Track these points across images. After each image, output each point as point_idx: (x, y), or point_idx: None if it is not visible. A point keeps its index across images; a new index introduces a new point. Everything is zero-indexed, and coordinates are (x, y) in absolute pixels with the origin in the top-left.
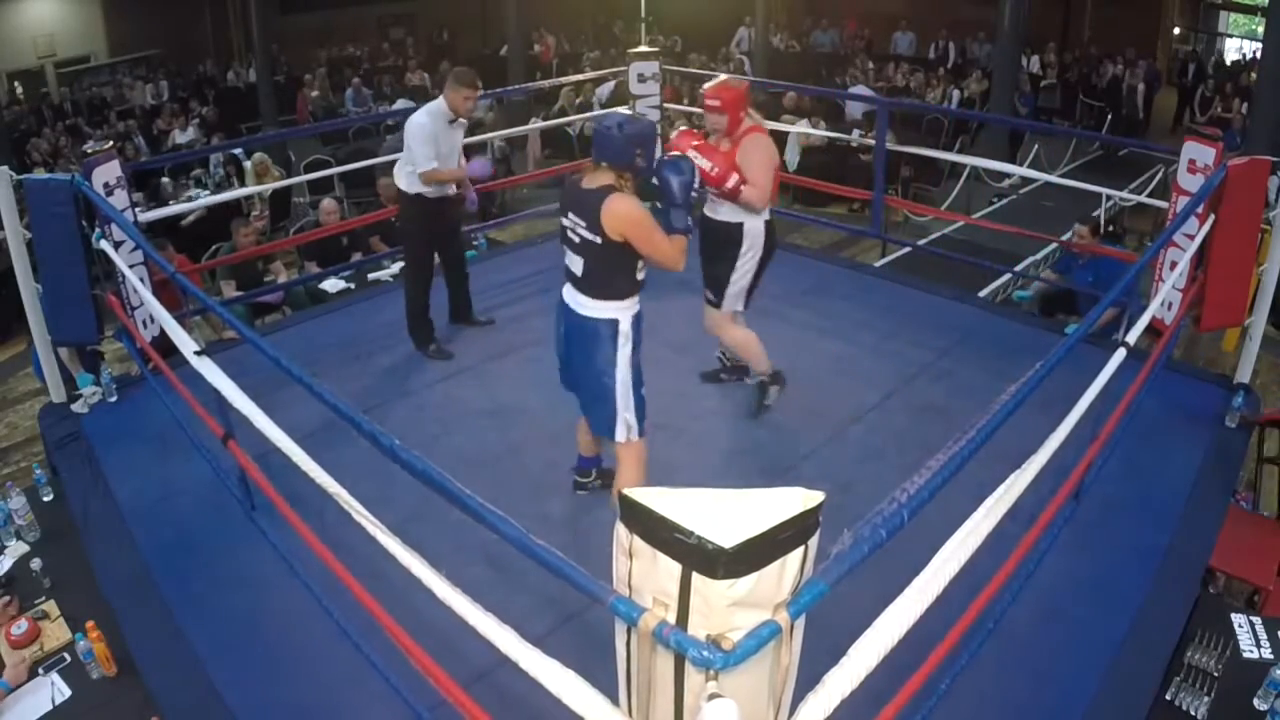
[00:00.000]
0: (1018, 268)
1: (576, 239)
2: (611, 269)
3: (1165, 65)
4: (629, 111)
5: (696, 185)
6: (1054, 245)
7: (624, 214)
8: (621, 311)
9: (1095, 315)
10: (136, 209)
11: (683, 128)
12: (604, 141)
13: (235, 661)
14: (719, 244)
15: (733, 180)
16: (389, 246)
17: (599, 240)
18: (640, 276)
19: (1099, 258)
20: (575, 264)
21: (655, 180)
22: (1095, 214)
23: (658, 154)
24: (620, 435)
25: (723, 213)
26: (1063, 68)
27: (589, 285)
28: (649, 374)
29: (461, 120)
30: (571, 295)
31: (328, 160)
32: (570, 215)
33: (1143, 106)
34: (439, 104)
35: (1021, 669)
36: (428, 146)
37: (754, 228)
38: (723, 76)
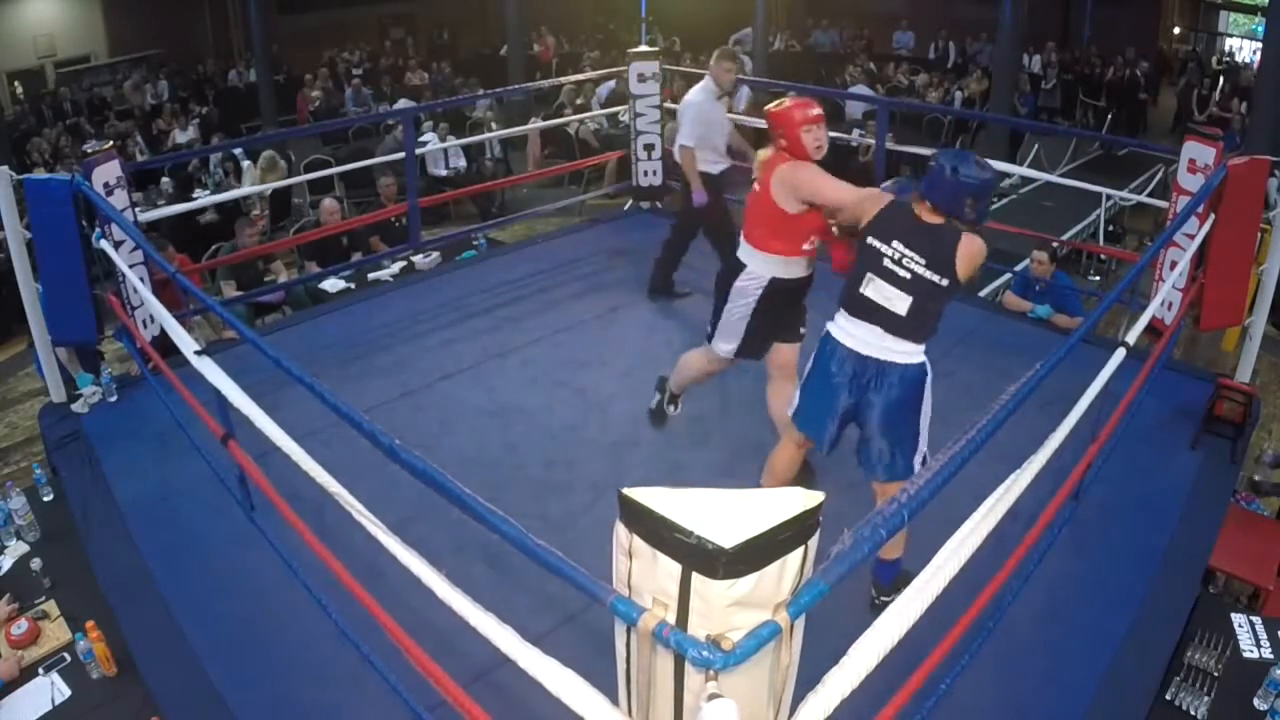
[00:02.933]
0: (1018, 268)
1: (907, 274)
2: (935, 311)
3: (1165, 65)
4: (966, 157)
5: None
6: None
7: (978, 254)
8: (925, 353)
9: (1096, 315)
10: (136, 209)
11: None
12: (940, 187)
13: (235, 661)
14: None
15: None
16: (389, 246)
17: (946, 282)
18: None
19: (1056, 285)
20: (893, 299)
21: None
22: (1054, 243)
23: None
24: (917, 464)
25: None
26: (1063, 68)
27: (911, 328)
28: (650, 373)
29: (725, 97)
30: (872, 337)
31: (328, 160)
32: (894, 244)
33: (1142, 106)
34: (707, 81)
35: (1021, 669)
36: (694, 125)
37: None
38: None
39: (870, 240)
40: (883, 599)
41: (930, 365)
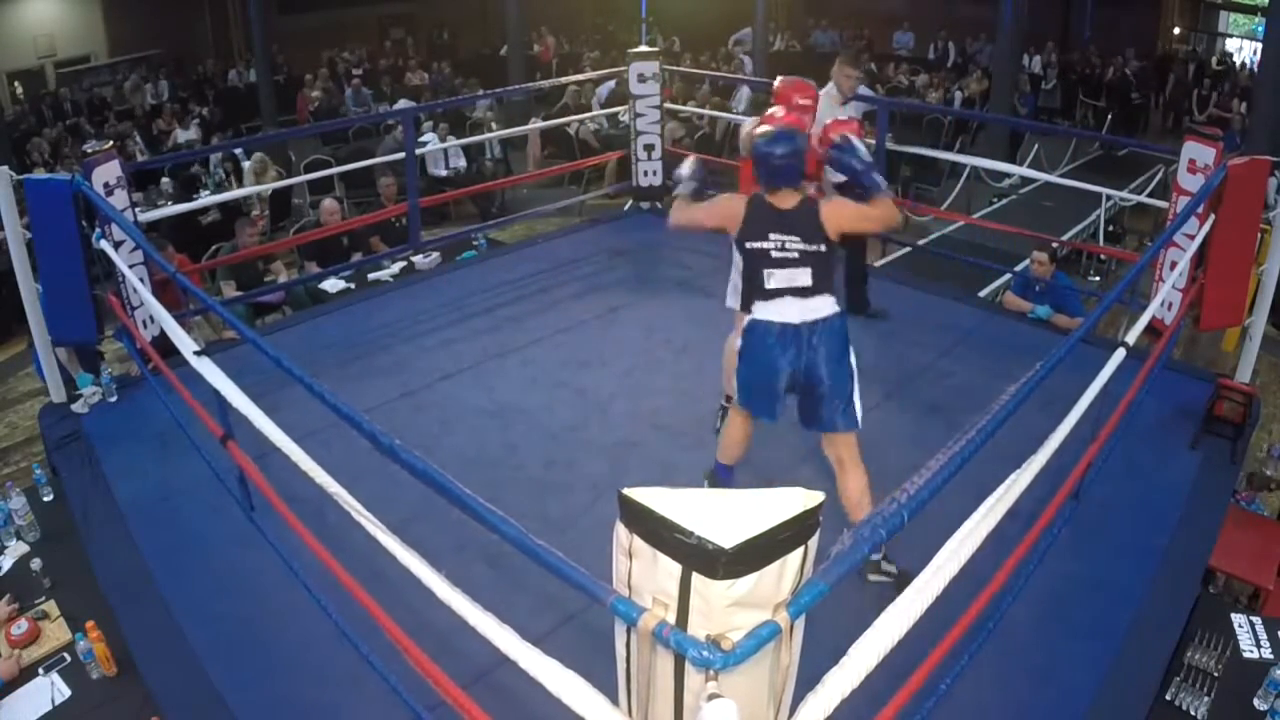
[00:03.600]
0: (1018, 268)
1: (795, 254)
2: (832, 265)
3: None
4: (768, 129)
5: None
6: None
7: (837, 212)
8: (838, 301)
9: (1096, 315)
10: (136, 209)
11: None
12: (789, 174)
13: (235, 661)
14: None
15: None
16: (389, 246)
17: (822, 249)
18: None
19: (1056, 286)
20: (799, 276)
21: (836, 171)
22: (1054, 243)
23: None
24: (859, 415)
25: None
26: (1063, 68)
27: (821, 289)
28: (650, 373)
29: (853, 102)
30: (798, 308)
31: (328, 160)
32: (772, 238)
33: (1142, 106)
34: (830, 86)
35: (1021, 669)
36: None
37: None
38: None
39: (749, 245)
40: (870, 576)
41: (924, 367)
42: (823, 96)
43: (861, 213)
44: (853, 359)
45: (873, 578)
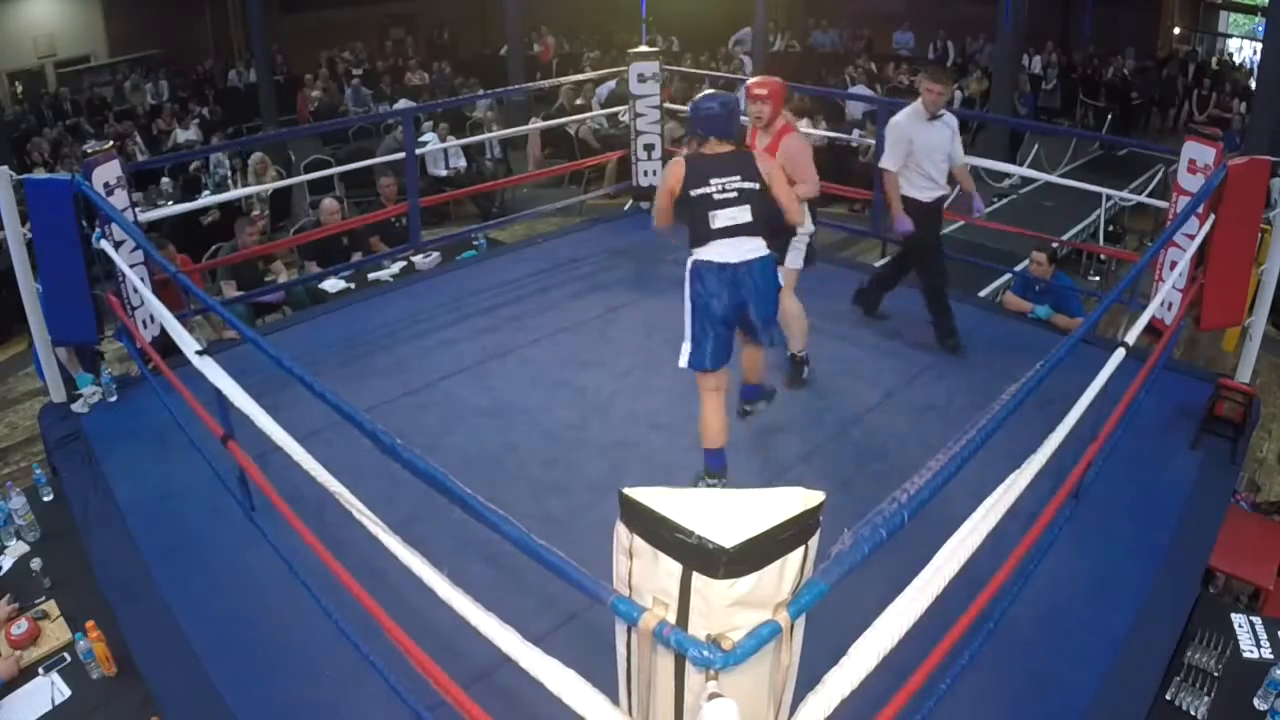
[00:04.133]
0: (1018, 268)
1: (735, 192)
2: (767, 208)
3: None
4: (712, 93)
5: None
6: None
7: (768, 166)
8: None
9: (1096, 315)
10: (136, 209)
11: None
12: (715, 119)
13: (235, 661)
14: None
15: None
16: (389, 246)
17: (759, 185)
18: None
19: (1056, 286)
20: (740, 214)
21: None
22: (1053, 243)
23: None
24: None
25: None
26: (1063, 68)
27: (759, 228)
28: (650, 373)
29: (944, 117)
30: (739, 247)
31: (328, 160)
32: (714, 181)
33: (1142, 106)
34: (917, 102)
35: (1021, 669)
36: (895, 147)
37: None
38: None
39: (693, 193)
40: (746, 408)
41: (925, 367)
42: (909, 113)
43: (789, 187)
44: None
45: (748, 408)
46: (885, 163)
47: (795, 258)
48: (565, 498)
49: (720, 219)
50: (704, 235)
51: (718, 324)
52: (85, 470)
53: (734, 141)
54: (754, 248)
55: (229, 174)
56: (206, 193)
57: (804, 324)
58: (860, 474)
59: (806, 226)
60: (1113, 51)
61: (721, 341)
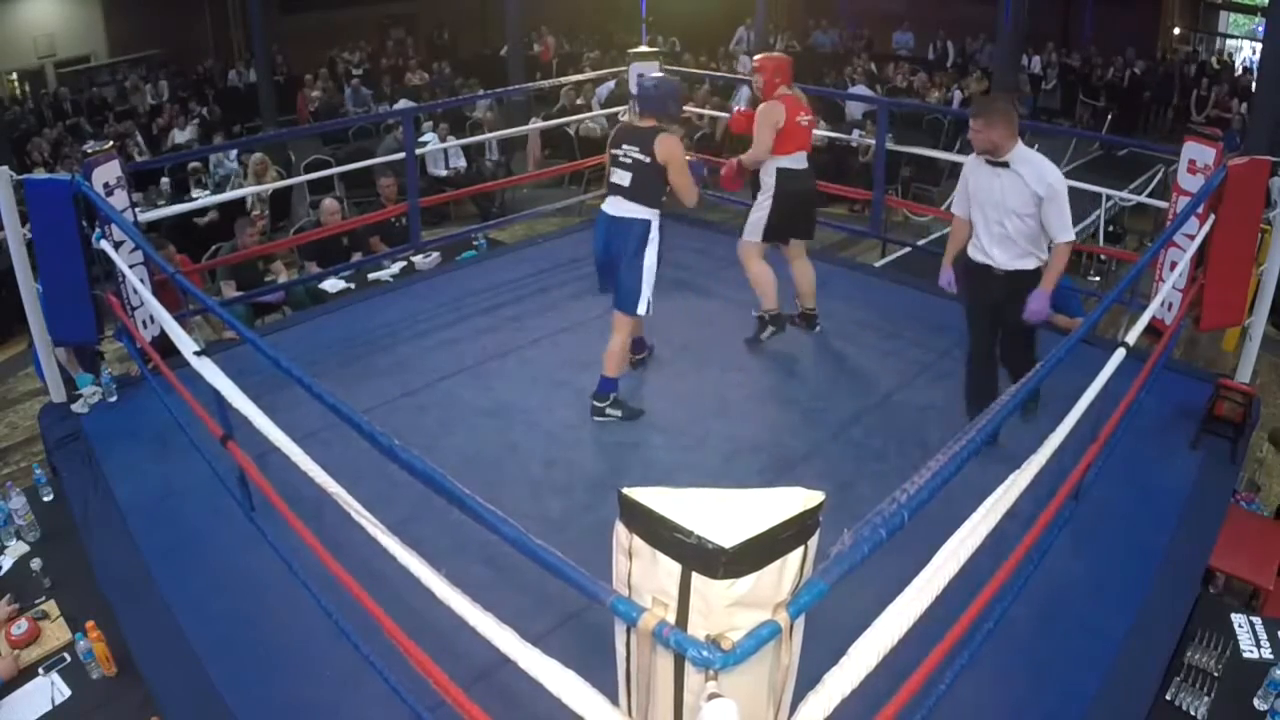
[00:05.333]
0: None
1: (629, 160)
2: (651, 183)
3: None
4: (659, 75)
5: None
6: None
7: (670, 146)
8: (653, 216)
9: (1096, 315)
10: (136, 209)
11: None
12: (646, 99)
13: (235, 661)
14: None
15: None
16: (389, 246)
17: (648, 160)
18: (663, 198)
19: (1056, 286)
20: (624, 178)
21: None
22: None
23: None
24: (640, 310)
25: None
26: (1063, 68)
27: (633, 194)
28: (651, 374)
29: (1016, 166)
30: (616, 205)
31: (328, 160)
32: (624, 146)
33: (1141, 106)
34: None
35: (1021, 669)
36: (958, 188)
37: (767, 181)
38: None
39: (611, 150)
40: (596, 405)
41: (925, 367)
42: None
43: (681, 169)
44: (647, 260)
45: (598, 404)
46: (953, 205)
47: (750, 230)
48: (565, 498)
49: (614, 176)
50: (606, 186)
51: (598, 262)
52: (85, 470)
53: (655, 119)
54: (626, 210)
55: (238, 171)
56: (205, 193)
57: (768, 285)
58: (860, 474)
59: (762, 204)
60: (1113, 51)
61: (601, 277)
